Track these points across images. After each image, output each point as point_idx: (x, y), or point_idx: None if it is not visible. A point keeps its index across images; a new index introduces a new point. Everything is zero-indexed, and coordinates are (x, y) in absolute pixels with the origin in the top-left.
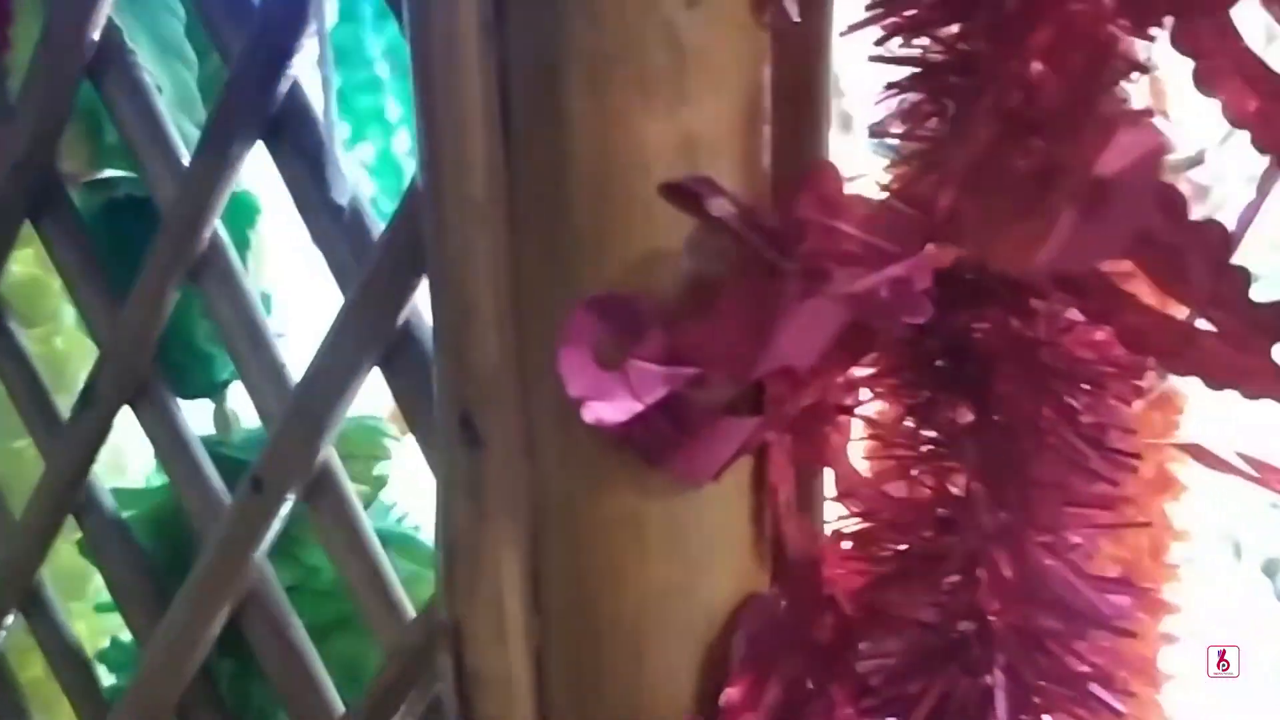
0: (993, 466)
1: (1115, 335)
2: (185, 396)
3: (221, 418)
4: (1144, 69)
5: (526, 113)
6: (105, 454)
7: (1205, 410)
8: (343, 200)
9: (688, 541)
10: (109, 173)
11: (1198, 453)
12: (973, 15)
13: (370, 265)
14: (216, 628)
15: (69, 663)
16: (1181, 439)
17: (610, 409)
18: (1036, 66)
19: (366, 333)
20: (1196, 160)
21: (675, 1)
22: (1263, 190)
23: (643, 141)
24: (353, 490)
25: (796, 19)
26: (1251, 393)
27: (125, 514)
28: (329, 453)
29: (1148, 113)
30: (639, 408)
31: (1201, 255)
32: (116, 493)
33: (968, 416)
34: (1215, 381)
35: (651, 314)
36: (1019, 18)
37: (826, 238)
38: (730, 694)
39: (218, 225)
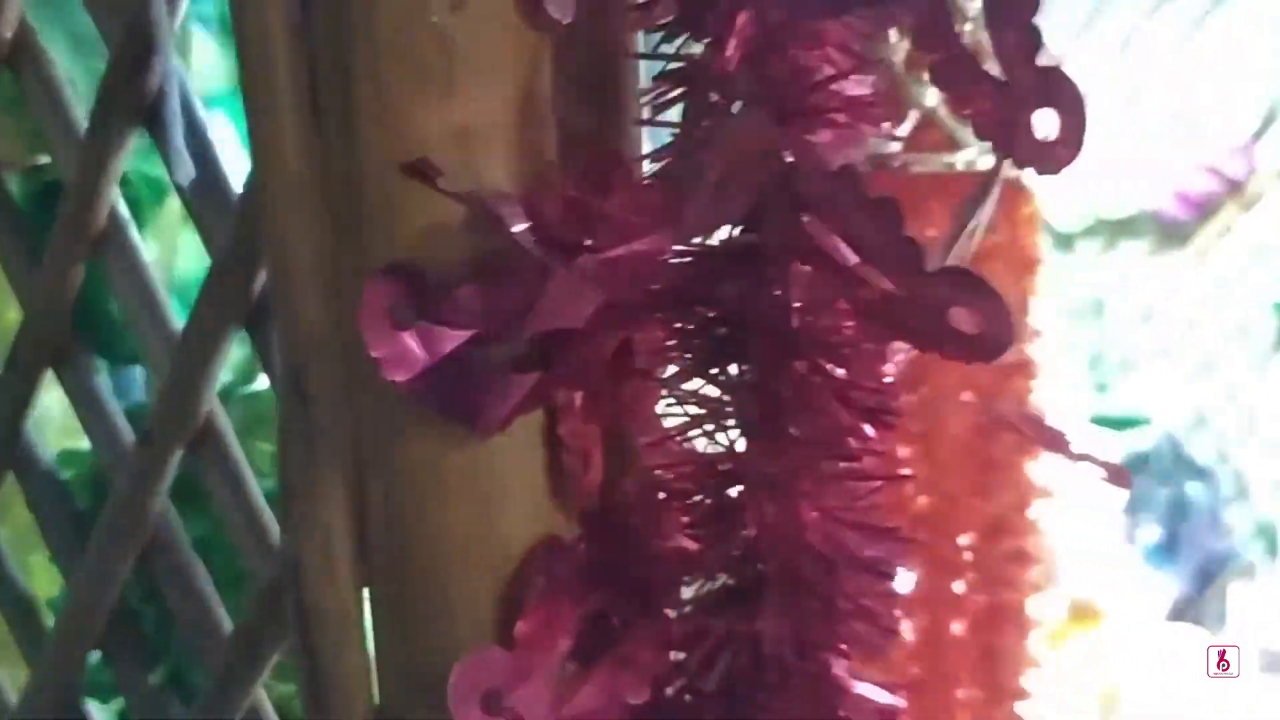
0: (761, 424)
1: (849, 304)
2: (112, 362)
3: (152, 383)
4: (868, 67)
5: (328, 104)
6: (61, 418)
7: None
8: (184, 182)
9: (482, 487)
10: (44, 159)
11: (995, 416)
12: (706, 16)
13: (223, 237)
14: (123, 571)
15: (20, 613)
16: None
17: (402, 366)
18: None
19: (228, 298)
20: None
21: (442, 6)
22: (991, 177)
23: (419, 131)
24: (237, 444)
25: (567, 21)
26: (949, 355)
27: (68, 473)
28: (212, 409)
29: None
30: (426, 364)
31: (879, 228)
32: (61, 454)
33: (740, 378)
34: (922, 348)
35: (440, 280)
36: (723, 17)
37: (591, 216)
38: (522, 626)
39: (117, 203)
